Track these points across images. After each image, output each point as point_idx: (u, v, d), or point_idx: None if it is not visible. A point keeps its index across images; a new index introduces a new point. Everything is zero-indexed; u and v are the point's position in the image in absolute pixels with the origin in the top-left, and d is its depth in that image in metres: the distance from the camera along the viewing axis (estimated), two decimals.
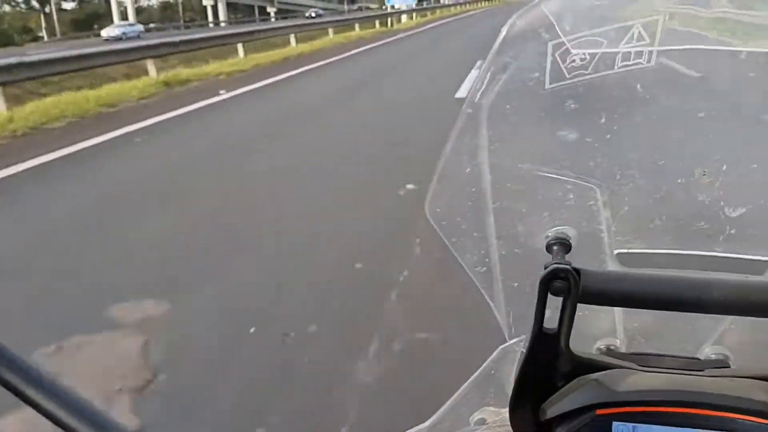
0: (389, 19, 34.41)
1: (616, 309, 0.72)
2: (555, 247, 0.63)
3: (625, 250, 0.66)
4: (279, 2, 72.58)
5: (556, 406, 0.63)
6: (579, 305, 0.75)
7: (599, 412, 0.60)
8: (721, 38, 0.48)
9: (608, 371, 0.64)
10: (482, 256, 0.65)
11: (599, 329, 0.73)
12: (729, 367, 0.72)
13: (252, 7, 73.38)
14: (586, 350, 0.75)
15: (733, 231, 0.61)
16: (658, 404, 0.59)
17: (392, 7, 48.97)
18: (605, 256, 0.67)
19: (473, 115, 0.53)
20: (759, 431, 0.56)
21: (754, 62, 0.50)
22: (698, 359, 0.73)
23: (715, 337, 0.72)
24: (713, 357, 0.73)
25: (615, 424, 0.59)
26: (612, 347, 0.75)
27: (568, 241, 0.64)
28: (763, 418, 0.57)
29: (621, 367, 0.66)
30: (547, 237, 0.64)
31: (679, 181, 0.59)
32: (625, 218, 0.63)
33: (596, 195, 0.61)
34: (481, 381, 0.73)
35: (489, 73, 0.51)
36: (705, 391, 0.60)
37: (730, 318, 0.70)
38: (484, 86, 0.52)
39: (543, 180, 0.60)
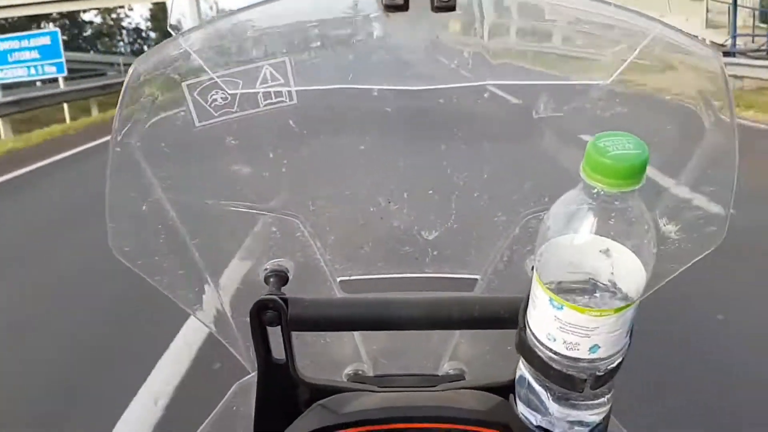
0: None
1: (356, 335, 0.73)
2: (272, 279, 0.64)
3: (347, 278, 0.67)
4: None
5: None
6: (327, 333, 0.77)
7: None
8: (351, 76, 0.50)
9: (338, 395, 0.65)
10: (198, 293, 0.64)
11: (347, 355, 0.75)
12: (464, 379, 0.76)
13: None
14: (335, 376, 0.77)
15: (435, 253, 0.64)
16: (380, 422, 0.61)
17: None
18: (331, 284, 0.68)
19: (124, 153, 0.52)
20: None
21: (415, 98, 0.53)
22: (437, 375, 0.77)
23: (450, 352, 0.75)
24: (451, 372, 0.76)
25: None
26: (360, 371, 0.76)
27: (285, 272, 0.64)
28: (472, 425, 0.61)
29: (357, 389, 0.68)
30: (265, 270, 0.64)
31: (372, 209, 0.61)
32: (336, 247, 0.64)
33: (299, 227, 0.62)
34: (219, 419, 0.72)
35: (121, 111, 0.50)
36: (422, 405, 0.62)
37: (457, 333, 0.73)
38: (118, 125, 0.50)
39: (237, 215, 0.60)
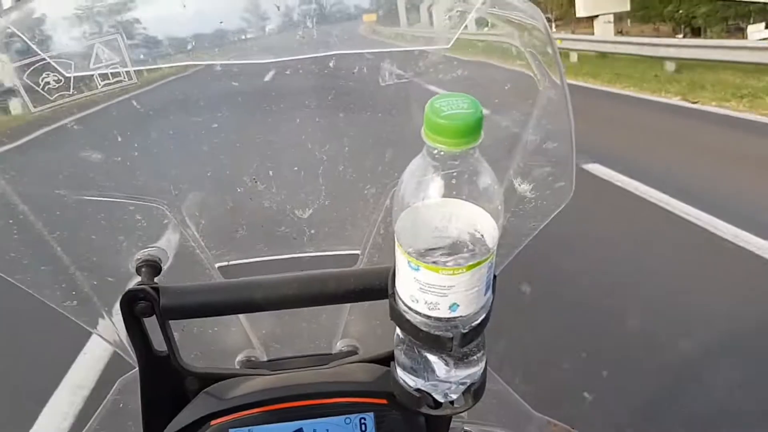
0: None
1: (243, 321, 0.73)
2: (143, 269, 0.62)
3: (225, 263, 0.66)
4: None
5: (172, 425, 0.62)
6: (214, 322, 0.75)
7: (213, 422, 0.60)
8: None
9: (224, 381, 0.64)
10: (66, 289, 0.61)
11: (237, 342, 0.74)
12: (357, 355, 0.76)
13: None
14: (228, 365, 0.76)
15: (313, 231, 0.65)
16: (270, 403, 0.60)
17: None
18: (210, 271, 0.67)
19: None
20: (360, 409, 0.61)
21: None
22: (330, 354, 0.77)
23: (341, 330, 0.76)
24: (344, 349, 0.77)
25: (231, 431, 0.60)
26: (252, 358, 0.76)
27: (158, 262, 0.62)
28: (358, 397, 0.61)
29: (247, 375, 0.67)
30: (137, 260, 0.62)
31: (239, 190, 0.60)
32: (209, 232, 0.63)
33: (166, 213, 0.60)
34: (107, 417, 0.70)
35: None
36: (308, 383, 0.62)
37: (346, 310, 0.74)
38: None
39: (96, 204, 0.58)
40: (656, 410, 2.13)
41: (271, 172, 0.59)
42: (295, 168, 0.61)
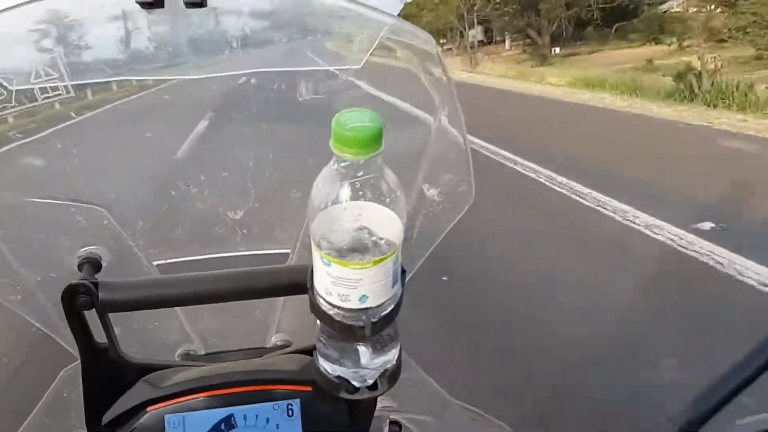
0: None
1: (181, 316, 0.77)
2: (85, 266, 0.66)
3: (163, 261, 0.71)
4: None
5: (110, 411, 0.67)
6: (153, 316, 0.80)
7: (150, 408, 0.65)
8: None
9: (161, 371, 0.69)
10: (11, 284, 0.65)
11: (176, 336, 0.79)
12: (289, 347, 0.82)
13: None
14: (169, 358, 0.80)
15: (245, 231, 0.70)
16: (203, 390, 0.64)
17: None
18: (148, 269, 0.71)
19: None
20: (287, 396, 0.66)
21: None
22: (264, 348, 0.82)
23: (275, 325, 0.81)
24: (279, 343, 0.82)
25: (167, 417, 0.64)
26: (192, 352, 0.81)
27: (98, 259, 0.67)
28: (289, 384, 0.66)
29: (184, 365, 0.72)
30: (79, 257, 0.67)
31: (173, 193, 0.66)
32: (147, 232, 0.68)
33: (106, 215, 0.65)
34: (50, 407, 0.73)
35: None
36: (237, 371, 0.67)
37: (280, 306, 0.79)
38: None
39: (39, 206, 0.62)
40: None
41: (202, 177, 0.64)
42: (225, 173, 0.66)
